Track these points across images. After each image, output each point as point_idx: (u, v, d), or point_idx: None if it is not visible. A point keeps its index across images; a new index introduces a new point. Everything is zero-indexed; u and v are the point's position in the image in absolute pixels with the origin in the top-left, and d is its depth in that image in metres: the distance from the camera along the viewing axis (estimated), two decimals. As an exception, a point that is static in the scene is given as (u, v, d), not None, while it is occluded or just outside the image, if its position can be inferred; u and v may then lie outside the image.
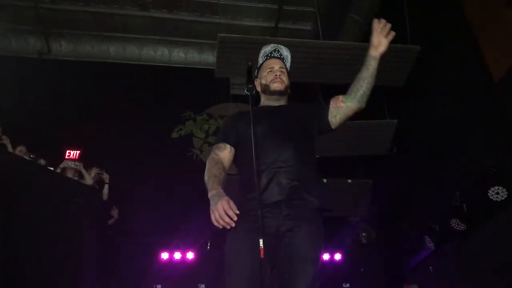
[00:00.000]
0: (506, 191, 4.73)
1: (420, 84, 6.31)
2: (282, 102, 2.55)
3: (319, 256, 2.20)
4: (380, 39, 2.42)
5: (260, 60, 2.66)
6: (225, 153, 2.37)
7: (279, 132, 2.33)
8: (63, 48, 7.85)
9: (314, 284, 2.09)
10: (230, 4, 7.40)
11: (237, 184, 2.37)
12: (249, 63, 2.37)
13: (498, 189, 4.75)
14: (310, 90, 6.76)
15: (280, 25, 7.55)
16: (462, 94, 5.60)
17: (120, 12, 7.57)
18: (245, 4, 7.46)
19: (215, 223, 1.99)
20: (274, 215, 2.15)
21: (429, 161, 6.23)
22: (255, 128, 2.13)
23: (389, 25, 2.44)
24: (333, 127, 2.44)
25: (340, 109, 2.41)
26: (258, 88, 2.59)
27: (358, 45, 5.94)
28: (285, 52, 2.66)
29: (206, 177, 2.22)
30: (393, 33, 2.44)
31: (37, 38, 7.68)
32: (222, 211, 1.96)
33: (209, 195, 2.10)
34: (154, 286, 6.66)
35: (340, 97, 2.44)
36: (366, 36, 6.58)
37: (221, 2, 7.11)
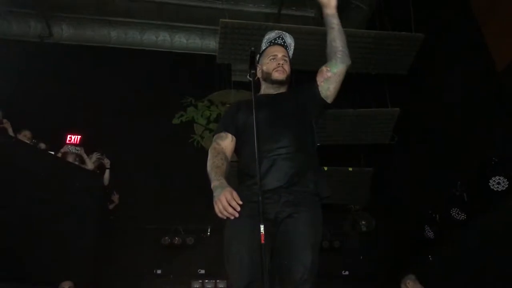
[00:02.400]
0: (507, 181, 4.72)
1: (423, 73, 6.27)
2: (281, 89, 2.53)
3: (318, 243, 2.19)
4: None
5: (263, 46, 2.61)
6: (227, 142, 2.35)
7: (279, 119, 2.32)
8: (64, 32, 7.80)
9: (313, 270, 2.08)
10: (233, -11, 7.36)
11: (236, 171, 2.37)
12: (252, 48, 2.35)
13: (499, 179, 4.75)
14: (313, 77, 6.73)
15: (283, 11, 7.49)
16: (465, 83, 5.57)
17: (121, -4, 7.52)
18: (248, -11, 7.41)
19: (219, 214, 2.01)
20: (274, 202, 2.14)
21: (431, 150, 6.22)
22: (256, 115, 2.12)
23: None
24: (329, 100, 2.42)
25: (330, 79, 2.39)
26: (259, 75, 2.55)
27: (361, 32, 5.91)
28: (289, 40, 2.62)
29: (208, 168, 2.22)
30: None
31: (39, 21, 7.63)
32: (225, 202, 1.97)
33: (212, 186, 2.10)
34: (154, 271, 6.71)
35: (324, 68, 2.43)
36: (369, 24, 6.56)
37: (224, -12, 7.06)
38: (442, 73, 6.12)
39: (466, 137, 5.49)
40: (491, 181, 4.79)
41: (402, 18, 5.89)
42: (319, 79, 2.42)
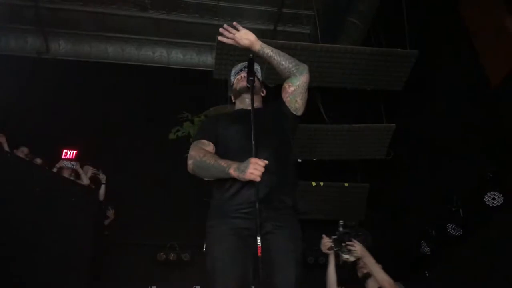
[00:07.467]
0: (502, 196, 4.73)
1: (418, 88, 6.31)
2: (257, 104, 2.52)
3: (300, 257, 2.20)
4: (241, 35, 2.51)
5: (232, 79, 2.75)
6: (209, 148, 2.39)
7: (257, 133, 2.32)
8: (61, 47, 7.82)
9: (296, 285, 2.09)
10: (229, 6, 7.39)
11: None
12: (251, 55, 2.43)
13: (495, 194, 4.76)
14: (308, 93, 6.75)
15: (279, 27, 7.55)
16: (460, 98, 5.62)
17: (119, 13, 7.55)
18: (244, 6, 7.45)
19: (256, 178, 2.03)
20: (253, 217, 2.11)
21: (427, 165, 6.24)
22: (231, 130, 2.25)
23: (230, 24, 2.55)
24: (300, 112, 2.53)
25: (295, 92, 2.49)
26: (233, 99, 2.72)
27: (356, 49, 5.96)
28: (255, 66, 2.70)
29: (211, 161, 2.22)
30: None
31: (36, 37, 7.64)
32: (258, 163, 2.03)
33: (231, 171, 2.10)
34: (149, 287, 6.65)
35: (285, 84, 2.53)
36: (365, 40, 6.63)
37: (220, 4, 7.11)
38: (437, 88, 6.17)
39: (462, 153, 5.51)
40: (486, 196, 4.80)
41: (397, 34, 5.95)
42: (284, 96, 2.52)
